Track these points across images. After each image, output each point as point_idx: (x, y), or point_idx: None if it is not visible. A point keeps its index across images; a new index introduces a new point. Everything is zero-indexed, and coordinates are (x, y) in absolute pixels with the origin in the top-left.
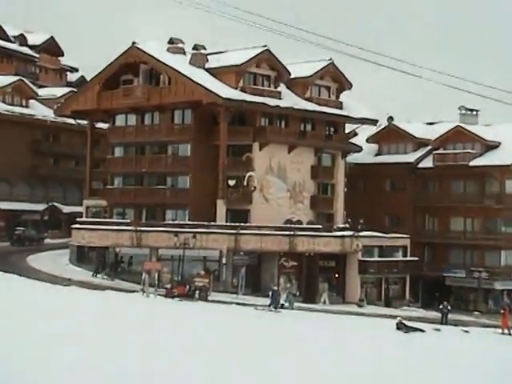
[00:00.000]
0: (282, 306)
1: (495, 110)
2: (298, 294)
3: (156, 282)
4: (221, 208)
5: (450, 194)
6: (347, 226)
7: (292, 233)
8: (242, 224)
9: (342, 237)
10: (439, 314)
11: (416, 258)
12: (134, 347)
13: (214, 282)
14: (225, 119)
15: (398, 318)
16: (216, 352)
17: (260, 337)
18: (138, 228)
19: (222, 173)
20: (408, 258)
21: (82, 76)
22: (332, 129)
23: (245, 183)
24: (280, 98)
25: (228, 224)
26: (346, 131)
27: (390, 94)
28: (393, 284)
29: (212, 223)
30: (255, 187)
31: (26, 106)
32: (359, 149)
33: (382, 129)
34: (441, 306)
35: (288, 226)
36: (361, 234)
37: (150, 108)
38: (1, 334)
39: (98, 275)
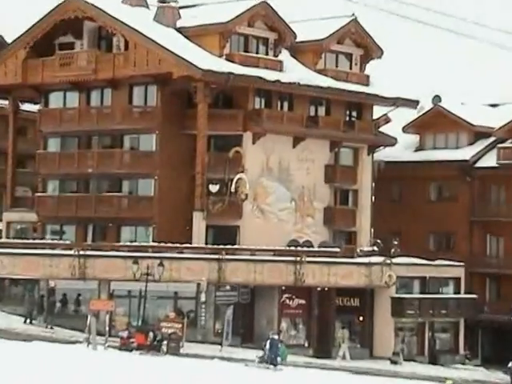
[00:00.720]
0: (273, 361)
1: None
2: (306, 344)
3: (107, 328)
4: (199, 224)
5: None
6: (375, 249)
7: (298, 259)
8: (229, 246)
9: (369, 265)
10: (508, 377)
11: (474, 296)
12: None
13: (188, 329)
14: (204, 100)
15: (449, 382)
16: None
17: None
18: (82, 252)
19: (201, 175)
20: (462, 295)
21: (0, 37)
22: (355, 113)
23: (232, 189)
24: (282, 71)
25: (209, 246)
26: (375, 116)
27: (436, 65)
28: (441, 332)
29: (186, 245)
30: (247, 195)
31: None
32: (393, 141)
33: (426, 113)
34: (510, 365)
35: (293, 249)
36: (395, 260)
37: (98, 83)
38: None
39: (33, 322)
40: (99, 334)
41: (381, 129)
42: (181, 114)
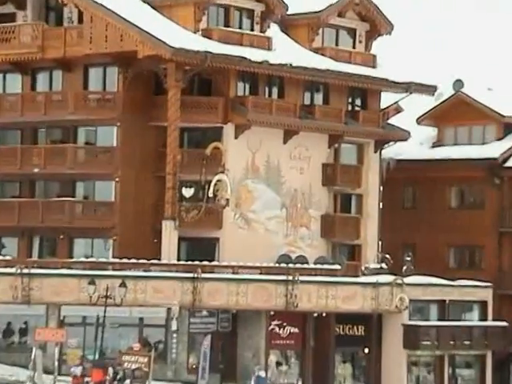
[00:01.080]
0: None
1: None
2: (300, 383)
3: (56, 363)
4: (169, 235)
5: None
6: (384, 266)
7: (290, 278)
8: (206, 263)
9: (376, 285)
10: None
11: (504, 323)
12: None
13: (156, 364)
14: (176, 85)
15: None
16: None
17: None
18: (26, 271)
19: (172, 176)
20: (490, 323)
21: None
22: (358, 101)
23: (210, 193)
24: (270, 49)
25: (182, 263)
26: (383, 105)
27: (458, 43)
28: (464, 367)
29: (154, 262)
30: (228, 200)
31: None
32: (405, 135)
33: (445, 101)
34: None
35: (284, 266)
36: (407, 279)
37: (46, 64)
38: None
39: None
40: (46, 371)
41: (390, 120)
42: (147, 102)
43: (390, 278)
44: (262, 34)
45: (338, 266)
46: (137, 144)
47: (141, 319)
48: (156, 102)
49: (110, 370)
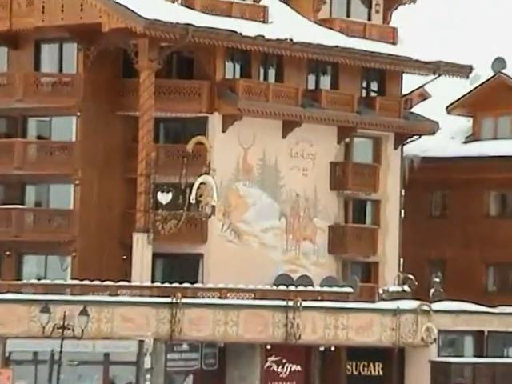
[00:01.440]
0: None
1: None
2: None
3: None
4: (142, 251)
5: None
6: (407, 289)
7: (291, 304)
8: (187, 285)
9: (397, 312)
10: None
11: None
12: None
13: None
14: (150, 65)
15: None
16: None
17: None
18: None
19: (146, 178)
20: None
21: None
22: (375, 85)
23: (192, 199)
24: (266, 22)
25: (157, 285)
26: (405, 90)
27: (498, 13)
28: None
29: (123, 284)
30: (214, 207)
31: None
32: (432, 127)
33: (482, 84)
34: None
35: (283, 289)
36: (435, 305)
37: None
38: None
39: None
40: None
41: (414, 109)
42: (114, 87)
43: (413, 304)
44: (255, 3)
45: (349, 289)
46: (101, 138)
47: (106, 355)
48: (125, 87)
49: None
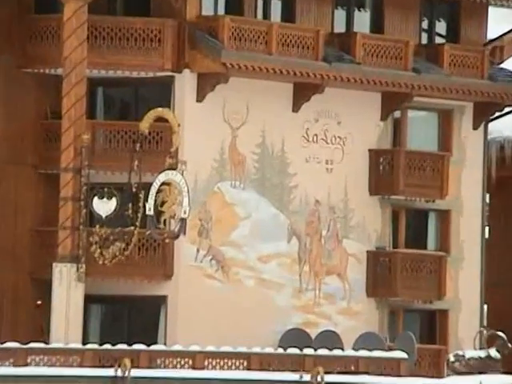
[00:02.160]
0: None
1: None
2: None
3: None
4: (68, 292)
5: None
6: (493, 354)
7: (308, 377)
8: (141, 348)
9: None
10: None
11: None
12: None
13: None
14: None
15: None
16: None
17: None
18: None
19: (74, 174)
20: None
21: None
22: (442, 25)
23: (149, 209)
24: None
25: (92, 348)
26: (491, 35)
27: None
28: None
29: (35, 346)
30: (184, 222)
31: None
32: None
33: None
34: None
35: (295, 352)
36: None
37: None
38: None
39: None
40: None
41: (505, 64)
42: (22, 29)
43: (507, 380)
44: None
45: (401, 354)
46: (4, 112)
47: None
48: (39, 29)
49: None
